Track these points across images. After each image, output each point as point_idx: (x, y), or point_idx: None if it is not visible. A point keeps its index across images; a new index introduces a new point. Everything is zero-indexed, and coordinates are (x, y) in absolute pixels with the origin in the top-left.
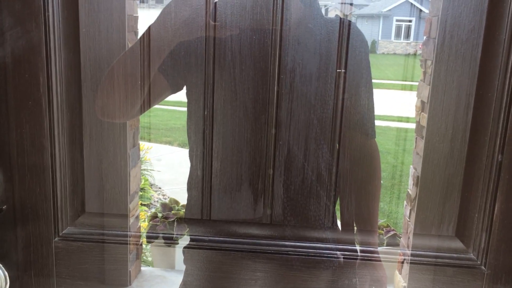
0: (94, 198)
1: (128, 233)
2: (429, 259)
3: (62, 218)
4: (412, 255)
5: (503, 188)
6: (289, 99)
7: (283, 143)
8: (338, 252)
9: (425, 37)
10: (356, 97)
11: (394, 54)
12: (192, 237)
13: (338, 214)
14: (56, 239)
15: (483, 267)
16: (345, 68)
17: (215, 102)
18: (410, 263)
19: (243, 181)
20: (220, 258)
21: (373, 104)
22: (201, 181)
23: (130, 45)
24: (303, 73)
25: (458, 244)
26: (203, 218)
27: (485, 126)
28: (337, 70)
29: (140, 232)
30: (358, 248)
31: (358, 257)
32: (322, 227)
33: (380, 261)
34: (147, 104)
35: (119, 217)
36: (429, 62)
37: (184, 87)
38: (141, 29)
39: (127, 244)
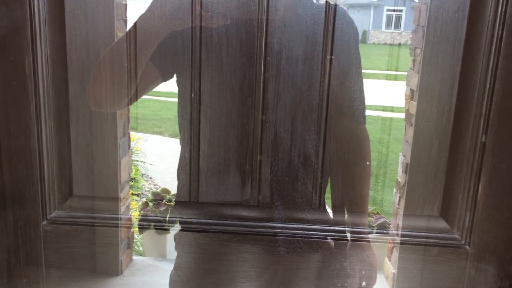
0: (82, 182)
1: (119, 215)
2: (415, 239)
3: (50, 201)
4: (400, 235)
5: (486, 169)
6: (275, 81)
7: (270, 125)
8: (325, 233)
9: (414, 25)
10: (346, 84)
11: (385, 44)
12: (181, 219)
13: (329, 196)
14: (44, 222)
15: (467, 247)
16: (331, 53)
17: (202, 85)
18: (399, 243)
19: (230, 163)
20: (208, 240)
21: (363, 91)
22: (188, 163)
23: (119, 34)
24: (289, 56)
25: (442, 224)
26: (191, 201)
27: (469, 107)
28: (327, 57)
29: (129, 215)
30: (347, 229)
31: (347, 239)
32: (310, 209)
33: (369, 241)
34: (138, 93)
35: (108, 200)
36: (418, 50)
37: (175, 75)
38: (130, 17)
39: (116, 227)
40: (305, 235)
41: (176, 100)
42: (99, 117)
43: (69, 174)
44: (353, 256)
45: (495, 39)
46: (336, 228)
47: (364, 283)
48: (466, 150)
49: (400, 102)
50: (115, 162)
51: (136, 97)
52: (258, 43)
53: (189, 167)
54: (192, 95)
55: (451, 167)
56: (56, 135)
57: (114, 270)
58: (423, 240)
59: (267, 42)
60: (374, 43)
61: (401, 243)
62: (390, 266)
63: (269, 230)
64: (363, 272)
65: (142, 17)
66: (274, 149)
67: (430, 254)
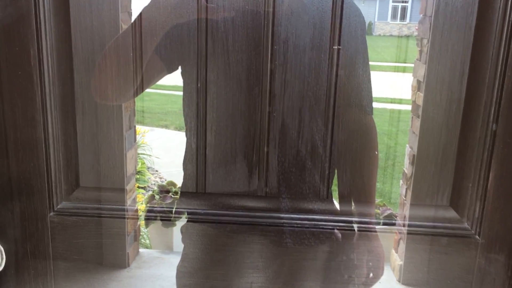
0: (89, 173)
1: (125, 207)
2: (424, 229)
3: (57, 192)
4: (408, 225)
5: (497, 157)
6: (282, 71)
7: (277, 115)
8: (333, 224)
9: (421, 16)
10: (353, 73)
11: (391, 35)
12: (188, 211)
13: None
14: (51, 213)
15: (477, 237)
16: (339, 42)
17: (208, 75)
18: (407, 233)
19: (237, 153)
20: (215, 231)
21: (370, 81)
22: (195, 154)
23: (123, 26)
24: (296, 45)
25: (452, 213)
26: (198, 192)
27: (479, 95)
28: (333, 47)
29: (136, 207)
30: (354, 220)
31: (353, 229)
32: (317, 200)
33: (376, 232)
34: (143, 85)
35: (115, 191)
36: (425, 41)
37: (180, 67)
38: (135, 10)
39: (123, 218)
40: (312, 226)
41: (181, 93)
42: (105, 108)
43: (76, 165)
44: (360, 247)
45: (506, 26)
46: (343, 219)
47: (371, 274)
48: (477, 139)
49: (407, 94)
50: (121, 153)
51: (141, 89)
52: (265, 31)
53: (196, 158)
54: (198, 85)
55: (461, 156)
56: (62, 126)
57: (121, 262)
58: (432, 230)
59: (274, 30)
60: (379, 35)
61: (409, 234)
62: (397, 258)
63: (276, 220)
64: (370, 263)
65: (146, 8)
66: (281, 139)
67: (439, 244)
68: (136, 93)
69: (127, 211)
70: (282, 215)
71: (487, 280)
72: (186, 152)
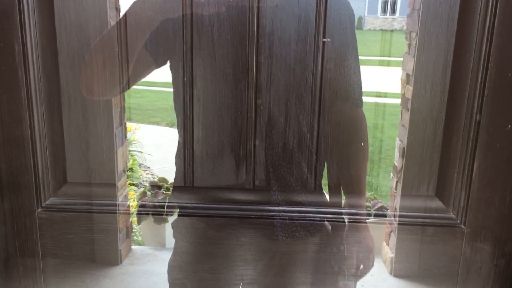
0: (76, 168)
1: (116, 202)
2: (412, 219)
3: (44, 188)
4: (398, 216)
5: (481, 147)
6: (268, 63)
7: (264, 108)
8: (322, 215)
9: (409, 9)
10: (342, 66)
11: (381, 30)
12: (179, 205)
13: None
14: (39, 210)
15: (462, 226)
16: (324, 34)
17: (194, 69)
18: (397, 223)
19: (224, 147)
20: (204, 224)
21: (360, 74)
22: (183, 148)
23: (112, 22)
24: (282, 37)
25: (438, 203)
26: (186, 185)
27: (463, 86)
28: (322, 40)
29: (127, 204)
30: (344, 211)
31: (343, 221)
32: (305, 192)
33: (366, 223)
34: (131, 80)
35: (104, 187)
36: (413, 34)
37: (168, 61)
38: (123, 6)
39: (113, 213)
40: (301, 218)
41: (171, 90)
42: (93, 104)
43: (63, 161)
44: (350, 238)
45: (488, 16)
46: (333, 210)
47: (361, 266)
48: (461, 129)
49: (395, 87)
50: (111, 149)
51: (129, 84)
52: (250, 24)
53: (183, 152)
54: (185, 79)
55: (446, 146)
56: (49, 122)
57: (113, 259)
58: (419, 220)
59: (259, 24)
60: (369, 29)
61: (398, 224)
62: (388, 250)
63: (265, 213)
64: (360, 255)
65: (134, 4)
66: (268, 131)
67: (426, 234)
68: (125, 88)
69: (118, 207)
70: (270, 208)
71: (473, 269)
72: (178, 146)
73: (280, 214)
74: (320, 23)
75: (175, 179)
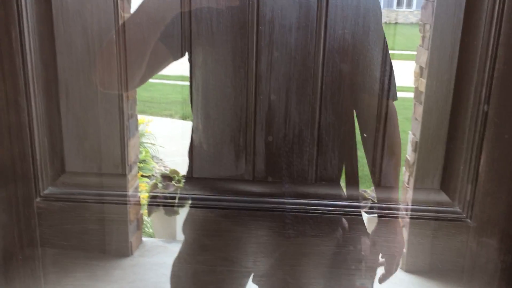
0: (75, 157)
1: (126, 193)
2: (414, 213)
3: (43, 178)
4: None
5: (488, 139)
6: (268, 51)
7: (264, 97)
8: (340, 209)
9: (424, 1)
10: (362, 58)
11: (396, 23)
12: (180, 196)
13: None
14: (38, 199)
15: (468, 220)
16: (326, 21)
17: (193, 57)
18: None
19: (225, 136)
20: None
21: (391, 67)
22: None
23: (122, 14)
24: (282, 24)
25: (443, 197)
26: (193, 177)
27: (470, 76)
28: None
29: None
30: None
31: (360, 215)
32: (306, 182)
33: (397, 217)
34: (148, 73)
35: (113, 177)
36: (427, 26)
37: (187, 53)
38: None
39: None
40: (303, 210)
41: (184, 83)
42: (90, 91)
43: (61, 150)
44: (380, 236)
45: (497, 3)
46: (335, 202)
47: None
48: (468, 120)
49: (407, 81)
50: (120, 139)
51: (146, 77)
52: (250, 11)
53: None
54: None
55: (452, 138)
56: (46, 110)
57: (124, 251)
58: (422, 214)
59: (259, 10)
60: (385, 23)
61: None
62: None
63: (266, 205)
64: (388, 255)
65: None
66: (268, 121)
67: (430, 228)
68: (141, 82)
69: (128, 198)
70: (270, 199)
71: (479, 264)
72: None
73: (280, 206)
74: (322, 10)
75: (187, 171)
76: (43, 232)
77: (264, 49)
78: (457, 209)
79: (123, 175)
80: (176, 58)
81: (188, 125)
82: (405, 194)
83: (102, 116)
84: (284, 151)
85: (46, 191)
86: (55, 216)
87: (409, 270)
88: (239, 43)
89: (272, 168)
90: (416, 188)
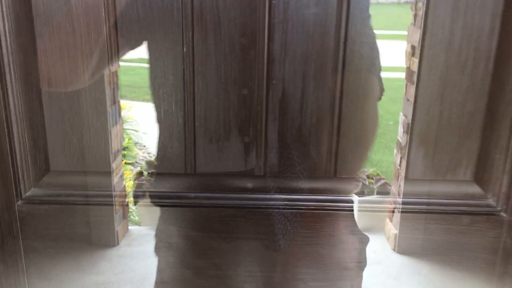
0: (60, 155)
1: (113, 192)
2: (442, 207)
3: (24, 178)
4: (404, 203)
5: None
6: (282, 29)
7: (277, 82)
8: (340, 204)
9: None
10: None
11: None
12: (172, 194)
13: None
14: (19, 202)
15: (503, 214)
16: None
17: (195, 37)
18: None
19: (231, 128)
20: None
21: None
22: (183, 130)
23: None
24: None
25: (475, 189)
26: (187, 172)
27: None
28: None
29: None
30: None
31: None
32: (324, 178)
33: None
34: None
35: (98, 171)
36: (420, 4)
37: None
38: None
39: (108, 205)
40: (319, 207)
41: None
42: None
43: (44, 147)
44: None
45: None
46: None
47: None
48: (506, 104)
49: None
50: (102, 128)
51: (98, 71)
52: None
53: (184, 134)
54: (184, 50)
55: (487, 124)
56: (26, 101)
57: (110, 241)
58: (453, 208)
59: None
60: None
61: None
62: (391, 227)
63: (278, 202)
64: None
65: None
66: (281, 109)
67: (460, 223)
68: (91, 77)
69: (114, 191)
70: (283, 196)
71: None
72: (159, 136)
73: (294, 203)
74: None
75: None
76: (26, 237)
77: (277, 26)
78: (491, 201)
79: (108, 172)
80: (132, 47)
81: None
82: (396, 177)
83: (95, 106)
84: (300, 142)
85: (29, 193)
86: (39, 220)
87: (408, 252)
88: (248, 20)
89: (285, 162)
90: (446, 180)
